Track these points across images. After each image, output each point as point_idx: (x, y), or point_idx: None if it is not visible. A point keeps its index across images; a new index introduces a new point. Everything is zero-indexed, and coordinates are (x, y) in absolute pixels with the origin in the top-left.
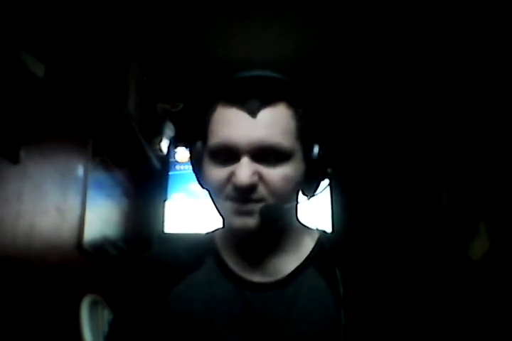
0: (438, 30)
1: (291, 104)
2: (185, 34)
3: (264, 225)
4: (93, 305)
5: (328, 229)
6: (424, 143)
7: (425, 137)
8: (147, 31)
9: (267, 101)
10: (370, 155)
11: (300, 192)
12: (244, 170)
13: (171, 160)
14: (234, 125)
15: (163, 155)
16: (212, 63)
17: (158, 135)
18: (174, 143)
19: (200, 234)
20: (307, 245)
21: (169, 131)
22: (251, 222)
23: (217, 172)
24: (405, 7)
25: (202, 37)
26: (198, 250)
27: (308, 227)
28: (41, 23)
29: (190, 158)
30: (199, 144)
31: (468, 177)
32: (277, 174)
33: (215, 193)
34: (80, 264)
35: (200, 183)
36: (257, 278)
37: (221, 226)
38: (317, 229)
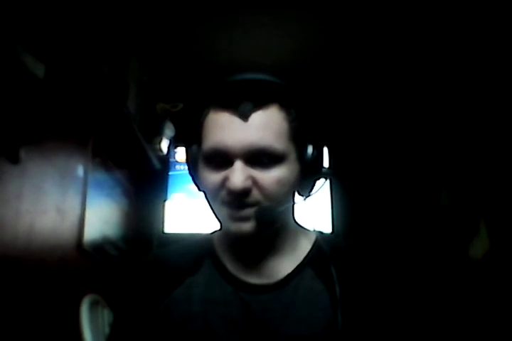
0: (438, 34)
1: (284, 105)
2: (185, 34)
3: (260, 229)
4: (93, 305)
5: (328, 230)
6: (424, 143)
7: (425, 136)
8: (147, 31)
9: (259, 104)
10: (370, 154)
11: (296, 193)
12: (237, 175)
13: (171, 160)
14: (226, 129)
15: (163, 155)
16: (212, 63)
17: (158, 135)
18: (174, 143)
19: (198, 236)
20: (304, 246)
21: (169, 131)
22: (247, 226)
23: (211, 177)
24: (404, 9)
25: (202, 37)
26: (196, 253)
27: (305, 228)
28: (41, 23)
29: (187, 160)
30: (194, 147)
31: (468, 176)
32: (271, 177)
33: (211, 197)
34: (80, 264)
35: (196, 185)
36: (255, 280)
37: (219, 228)
38: (314, 230)
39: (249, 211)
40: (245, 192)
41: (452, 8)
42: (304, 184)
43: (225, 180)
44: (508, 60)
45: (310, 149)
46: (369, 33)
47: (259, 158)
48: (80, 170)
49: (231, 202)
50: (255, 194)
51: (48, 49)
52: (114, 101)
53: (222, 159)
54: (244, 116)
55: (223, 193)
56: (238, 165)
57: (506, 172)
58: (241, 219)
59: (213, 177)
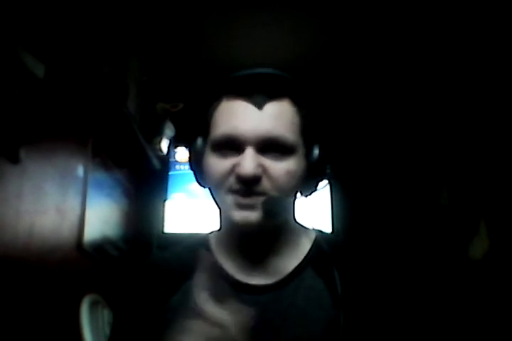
0: (438, 32)
1: (295, 101)
2: (185, 34)
3: (266, 219)
4: (93, 305)
5: (328, 229)
6: (424, 142)
7: (425, 136)
8: (147, 31)
9: (273, 96)
10: (370, 154)
11: (298, 191)
12: (249, 161)
13: (171, 160)
14: (240, 116)
15: (163, 155)
16: (212, 63)
17: (158, 135)
18: (174, 143)
19: (194, 237)
20: (304, 245)
21: (169, 131)
22: (253, 215)
23: (220, 164)
24: (405, 9)
25: (202, 37)
26: (193, 255)
27: (305, 227)
28: (41, 23)
29: (190, 155)
30: (200, 140)
31: (468, 176)
32: (281, 168)
33: (217, 186)
34: (80, 264)
35: (198, 181)
36: (254, 280)
37: (217, 228)
38: (313, 229)
39: (256, 199)
40: (255, 180)
41: (452, 8)
42: (307, 182)
43: (235, 166)
44: (508, 60)
45: (317, 149)
46: (369, 33)
47: (270, 147)
48: (80, 170)
49: (239, 189)
50: (264, 183)
51: (48, 49)
52: (114, 101)
53: (232, 146)
54: (259, 105)
55: (231, 181)
56: (250, 152)
57: (506, 172)
58: (248, 207)
59: (222, 164)
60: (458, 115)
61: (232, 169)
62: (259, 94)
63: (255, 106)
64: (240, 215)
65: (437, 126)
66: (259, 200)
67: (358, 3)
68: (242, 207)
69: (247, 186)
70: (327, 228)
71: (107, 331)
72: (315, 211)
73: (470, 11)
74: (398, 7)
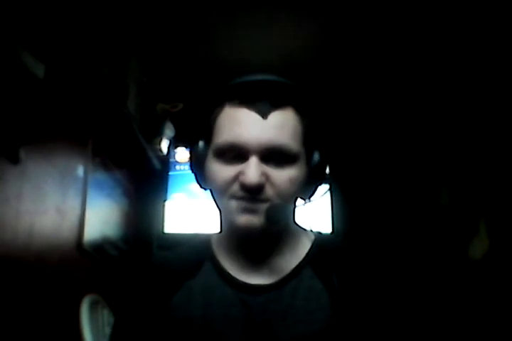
0: (438, 30)
1: (298, 110)
2: (185, 34)
3: (268, 225)
4: (93, 305)
5: (329, 231)
6: (424, 143)
7: (425, 136)
8: (147, 31)
9: (277, 105)
10: (369, 154)
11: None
12: (254, 170)
13: (171, 160)
14: (244, 125)
15: (163, 155)
16: (212, 63)
17: (158, 135)
18: (174, 143)
19: (197, 238)
20: (304, 246)
21: (169, 131)
22: (256, 220)
23: (223, 171)
24: (404, 7)
25: (202, 37)
26: (195, 256)
27: (304, 229)
28: (41, 23)
29: (190, 158)
30: (201, 144)
31: (468, 176)
32: (284, 175)
33: (220, 192)
34: (80, 264)
35: (199, 183)
36: (255, 280)
37: (219, 229)
38: (312, 230)
39: (259, 205)
40: (259, 188)
41: (452, 8)
42: (307, 188)
43: (239, 174)
44: (508, 60)
45: (317, 155)
46: (369, 32)
47: (273, 156)
48: (80, 170)
49: (243, 196)
50: (268, 191)
51: (48, 49)
52: (114, 102)
53: (236, 154)
54: (264, 114)
55: (235, 188)
56: (254, 160)
57: (506, 173)
58: (251, 211)
59: (225, 171)
60: (457, 116)
61: (236, 177)
62: (263, 103)
63: (260, 114)
64: (244, 219)
65: (437, 127)
66: (262, 206)
67: (357, 3)
68: (245, 211)
69: (251, 194)
70: (328, 229)
71: (107, 331)
72: (316, 213)
73: (470, 11)
74: (398, 9)
